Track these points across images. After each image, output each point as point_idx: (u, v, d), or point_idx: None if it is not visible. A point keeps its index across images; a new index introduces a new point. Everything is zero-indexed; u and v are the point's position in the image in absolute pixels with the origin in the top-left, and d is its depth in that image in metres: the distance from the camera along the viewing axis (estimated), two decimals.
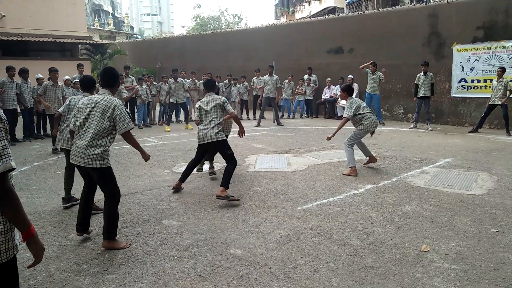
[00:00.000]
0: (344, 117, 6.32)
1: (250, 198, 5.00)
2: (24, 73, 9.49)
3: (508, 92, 9.28)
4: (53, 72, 9.00)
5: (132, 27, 63.80)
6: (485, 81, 10.74)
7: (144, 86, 12.05)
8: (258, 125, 11.74)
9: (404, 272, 3.12)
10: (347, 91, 6.37)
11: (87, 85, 4.48)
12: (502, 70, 9.42)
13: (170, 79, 11.32)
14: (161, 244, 3.64)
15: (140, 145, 3.82)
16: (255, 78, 13.60)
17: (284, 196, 5.04)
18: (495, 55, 10.50)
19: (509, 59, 10.26)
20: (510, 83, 9.40)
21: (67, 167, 4.74)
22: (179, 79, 11.30)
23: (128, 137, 3.65)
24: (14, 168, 1.68)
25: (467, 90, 11.12)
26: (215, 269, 3.18)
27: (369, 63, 11.07)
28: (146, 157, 3.89)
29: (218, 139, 5.09)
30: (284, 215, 4.37)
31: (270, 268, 3.19)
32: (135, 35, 48.46)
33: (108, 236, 3.53)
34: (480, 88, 10.83)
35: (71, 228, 4.02)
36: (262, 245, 3.61)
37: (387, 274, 3.10)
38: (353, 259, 3.35)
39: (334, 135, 6.23)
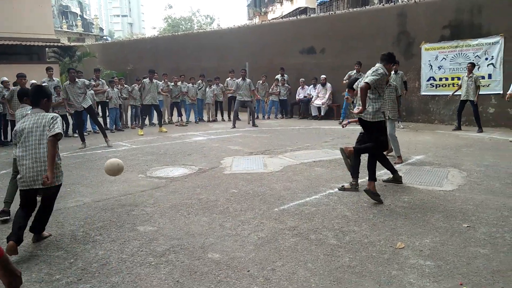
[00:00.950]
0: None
1: (227, 200, 4.96)
2: None
3: (477, 88, 9.53)
4: (20, 78, 8.62)
5: (101, 29, 62.40)
6: (452, 78, 11.09)
7: (116, 89, 11.79)
8: (234, 126, 11.71)
9: (381, 270, 3.17)
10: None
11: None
12: (472, 65, 9.58)
13: (145, 80, 11.04)
14: (137, 250, 3.56)
15: (55, 161, 3.64)
16: (229, 79, 13.57)
17: (261, 198, 5.04)
18: (461, 53, 10.86)
19: (475, 57, 10.63)
20: (479, 79, 9.68)
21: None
22: (154, 81, 11.05)
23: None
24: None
25: (436, 88, 11.45)
26: (192, 274, 3.14)
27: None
28: (48, 175, 3.48)
29: None
30: (261, 217, 4.36)
31: (249, 271, 3.18)
32: (105, 37, 47.40)
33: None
34: (448, 86, 11.17)
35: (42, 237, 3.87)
36: (240, 248, 3.59)
37: (364, 272, 3.14)
38: (331, 258, 3.38)
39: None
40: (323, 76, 12.98)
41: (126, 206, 4.77)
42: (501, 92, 10.12)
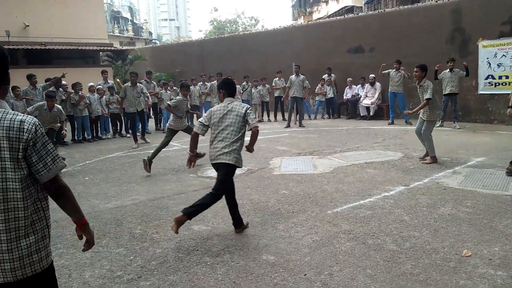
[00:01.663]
0: (426, 99, 6.53)
1: (277, 201, 4.92)
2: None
3: None
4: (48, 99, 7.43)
5: (150, 33, 64.66)
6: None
7: (169, 91, 12.11)
8: (288, 125, 11.69)
9: (447, 279, 2.99)
10: (426, 70, 6.78)
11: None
12: None
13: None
14: (193, 250, 3.60)
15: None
16: (276, 79, 13.52)
17: (313, 200, 4.95)
18: None
19: None
20: None
21: None
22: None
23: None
24: (66, 165, 1.89)
25: (495, 86, 10.76)
26: (248, 275, 3.12)
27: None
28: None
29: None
30: (314, 219, 4.28)
31: (305, 274, 3.11)
32: (153, 41, 49.10)
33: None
34: (509, 84, 10.46)
35: (102, 234, 4.03)
36: (295, 251, 3.53)
37: (428, 281, 2.97)
38: (391, 265, 3.23)
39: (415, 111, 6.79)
40: (372, 75, 12.60)
41: (180, 205, 4.83)
42: None
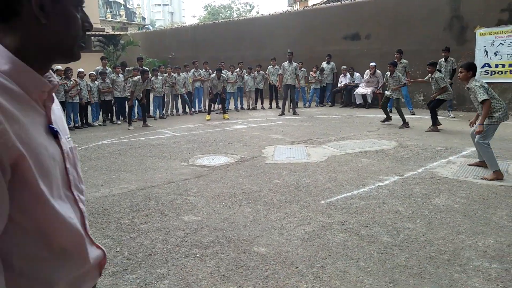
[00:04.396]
0: (487, 101, 5.05)
1: (270, 191, 4.82)
2: None
3: None
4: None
5: (143, 18, 63.67)
6: (510, 65, 10.30)
7: (160, 77, 11.89)
8: (283, 113, 11.57)
9: (441, 272, 2.92)
10: (473, 70, 5.36)
11: None
12: None
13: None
14: (182, 241, 3.50)
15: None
16: (270, 66, 13.33)
17: (306, 189, 4.86)
18: None
19: None
20: None
21: None
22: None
23: None
24: None
25: (491, 75, 10.68)
26: (239, 268, 3.03)
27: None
28: None
29: None
30: (307, 210, 4.19)
31: (297, 267, 3.03)
32: (146, 26, 48.35)
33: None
34: (505, 73, 10.39)
35: (89, 224, 3.91)
36: (287, 242, 3.44)
37: (422, 274, 2.90)
38: (385, 257, 3.16)
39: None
40: (373, 63, 12.35)
41: (170, 195, 4.74)
42: None
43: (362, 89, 12.73)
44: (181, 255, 3.25)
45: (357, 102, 12.87)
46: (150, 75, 10.61)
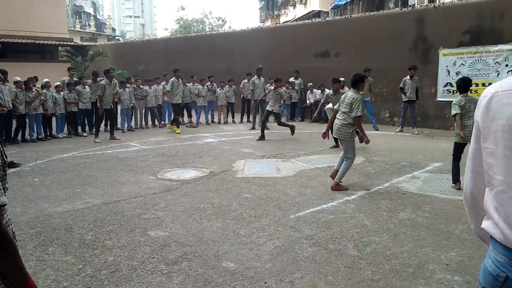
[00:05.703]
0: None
1: (240, 206, 4.80)
2: (3, 74, 9.05)
3: None
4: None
5: (114, 29, 62.85)
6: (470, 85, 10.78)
7: (127, 89, 11.71)
8: (253, 128, 11.61)
9: (406, 285, 2.98)
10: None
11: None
12: None
13: (172, 79, 11.26)
14: (148, 257, 3.41)
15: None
16: (245, 80, 13.40)
17: (276, 204, 4.87)
18: (481, 59, 10.57)
19: (494, 63, 10.34)
20: None
21: None
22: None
23: None
24: (6, 204, 1.29)
25: (453, 94, 11.15)
26: (207, 284, 2.98)
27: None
28: None
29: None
30: (277, 224, 4.19)
31: (266, 283, 3.00)
32: (117, 37, 47.69)
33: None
34: None
35: (49, 240, 3.75)
36: (256, 257, 3.42)
37: (388, 287, 2.95)
38: (352, 271, 3.19)
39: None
40: (342, 78, 12.68)
41: (137, 209, 4.63)
42: None
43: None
44: (147, 272, 3.16)
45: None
46: (114, 73, 10.38)
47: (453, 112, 5.45)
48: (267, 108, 10.14)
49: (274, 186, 5.65)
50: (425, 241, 3.77)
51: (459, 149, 5.46)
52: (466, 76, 6.71)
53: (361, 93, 5.47)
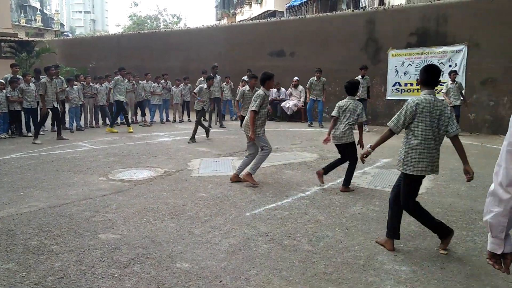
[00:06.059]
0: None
1: (195, 205, 4.74)
2: None
3: (461, 93, 9.86)
4: None
5: (62, 25, 60.02)
6: (417, 84, 11.33)
7: (75, 87, 11.21)
8: (210, 126, 11.48)
9: (357, 277, 3.07)
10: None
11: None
12: (455, 73, 10.00)
13: (117, 77, 10.88)
14: (98, 261, 3.28)
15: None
16: (201, 79, 13.23)
17: (231, 202, 4.85)
18: (427, 60, 11.14)
19: (439, 64, 10.92)
20: (462, 86, 9.98)
21: None
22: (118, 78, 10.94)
23: None
24: None
25: (401, 93, 11.69)
26: (160, 286, 2.91)
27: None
28: None
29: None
30: (232, 222, 4.18)
31: (221, 281, 2.99)
32: (65, 33, 45.58)
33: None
34: (413, 92, 11.42)
35: None
36: (211, 257, 3.39)
37: (340, 279, 3.03)
38: (306, 265, 3.25)
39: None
40: (296, 78, 12.96)
41: (86, 212, 4.44)
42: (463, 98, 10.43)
43: (288, 103, 13.20)
44: (97, 276, 3.04)
45: (289, 114, 13.25)
46: (55, 70, 9.94)
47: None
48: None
49: (230, 184, 5.63)
50: (375, 233, 3.91)
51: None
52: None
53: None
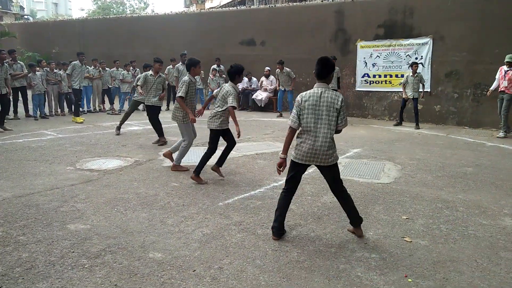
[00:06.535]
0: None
1: (167, 195, 4.69)
2: None
3: (422, 86, 10.10)
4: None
5: (22, 8, 57.01)
6: (385, 76, 11.62)
7: (38, 73, 10.74)
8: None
9: (329, 264, 3.15)
10: None
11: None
12: (417, 65, 10.12)
13: (75, 62, 10.29)
14: (68, 252, 3.20)
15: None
16: (170, 67, 12.99)
17: (204, 192, 4.84)
18: (394, 52, 11.41)
19: (406, 56, 11.23)
20: (423, 78, 10.22)
21: None
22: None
23: None
24: None
25: (370, 84, 11.93)
26: (132, 276, 2.88)
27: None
28: None
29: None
30: (205, 212, 4.17)
31: (194, 270, 2.98)
32: (26, 16, 43.44)
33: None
34: (381, 83, 11.70)
35: None
36: (184, 246, 3.38)
37: (312, 267, 3.09)
38: (279, 254, 3.29)
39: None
40: (268, 67, 12.95)
41: (54, 202, 4.30)
42: (429, 90, 10.77)
43: (260, 94, 13.21)
44: (67, 267, 2.97)
45: (260, 105, 13.24)
46: (5, 54, 9.19)
47: None
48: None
49: (203, 174, 5.57)
50: (345, 222, 4.00)
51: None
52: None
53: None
